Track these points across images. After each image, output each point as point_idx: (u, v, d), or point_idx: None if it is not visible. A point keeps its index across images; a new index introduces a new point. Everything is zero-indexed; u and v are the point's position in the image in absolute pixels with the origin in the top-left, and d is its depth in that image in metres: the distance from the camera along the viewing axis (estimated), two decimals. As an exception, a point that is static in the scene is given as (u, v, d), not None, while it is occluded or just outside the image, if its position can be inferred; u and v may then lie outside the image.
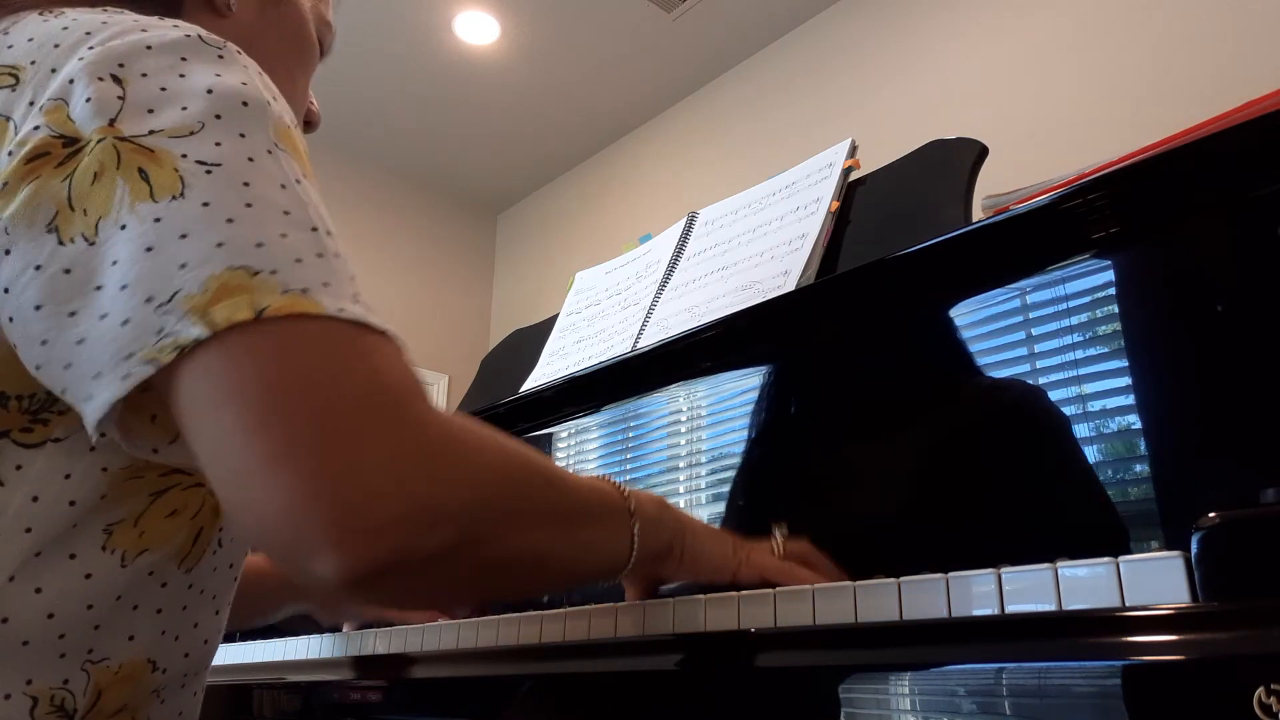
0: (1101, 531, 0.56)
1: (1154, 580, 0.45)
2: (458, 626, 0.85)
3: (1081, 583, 0.47)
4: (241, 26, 0.65)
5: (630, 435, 0.92)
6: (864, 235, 1.00)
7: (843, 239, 1.01)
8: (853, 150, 1.08)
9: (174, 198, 0.44)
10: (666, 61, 3.41)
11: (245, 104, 0.49)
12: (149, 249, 0.43)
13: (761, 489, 0.79)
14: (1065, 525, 0.58)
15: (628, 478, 0.91)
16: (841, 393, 0.76)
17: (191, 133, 0.46)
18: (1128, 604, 0.45)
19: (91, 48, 0.48)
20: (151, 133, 0.46)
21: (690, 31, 3.26)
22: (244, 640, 1.16)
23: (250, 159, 0.47)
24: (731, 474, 0.81)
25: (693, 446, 0.85)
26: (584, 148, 3.96)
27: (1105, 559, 0.47)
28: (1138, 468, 0.55)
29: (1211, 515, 0.44)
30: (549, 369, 1.28)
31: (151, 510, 0.51)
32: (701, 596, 0.66)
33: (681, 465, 0.85)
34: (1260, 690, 0.35)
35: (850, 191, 1.05)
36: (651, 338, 1.10)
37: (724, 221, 1.17)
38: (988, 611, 0.50)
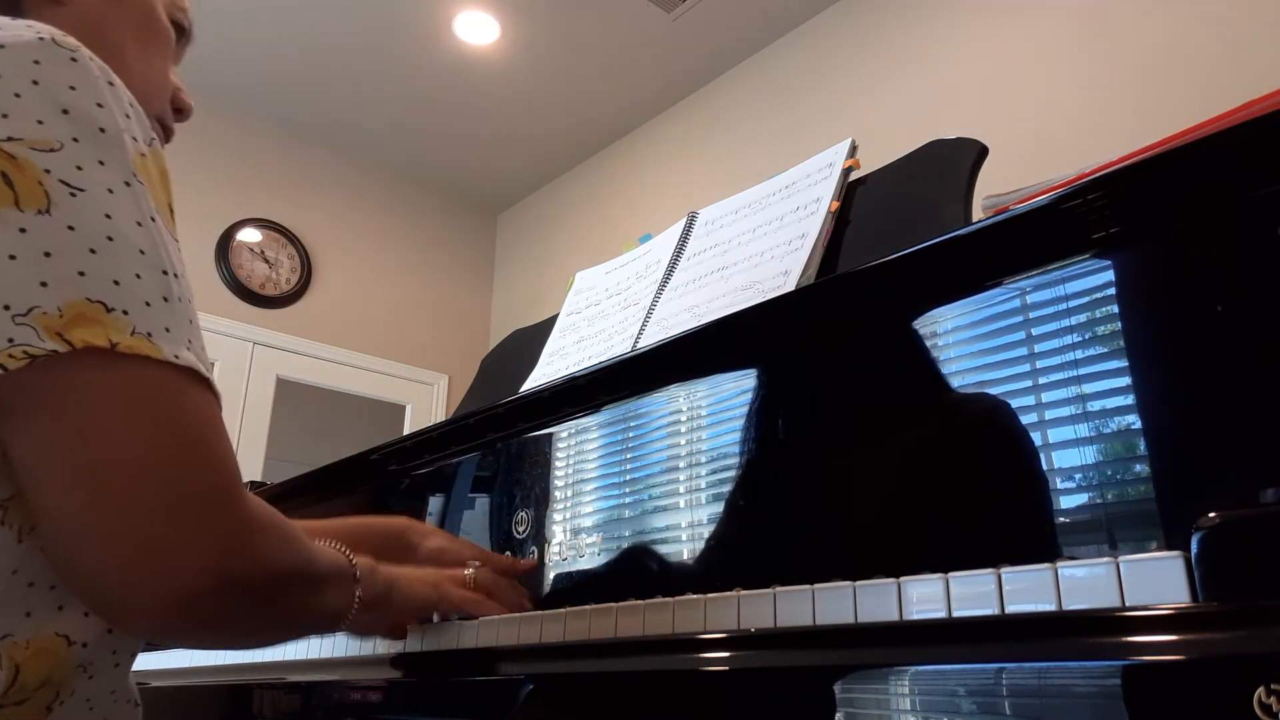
0: (1101, 531, 0.56)
1: (1154, 580, 0.45)
2: (458, 627, 0.85)
3: (1081, 583, 0.47)
4: (85, 13, 0.65)
5: (630, 435, 0.92)
6: (864, 235, 1.00)
7: (843, 239, 1.01)
8: (853, 150, 1.08)
9: (40, 212, 0.47)
10: (666, 61, 3.41)
11: (103, 130, 0.51)
12: (12, 256, 0.46)
13: (761, 489, 0.79)
14: (1065, 525, 0.58)
15: (628, 478, 0.91)
16: (842, 393, 0.76)
17: (52, 149, 0.48)
18: (1128, 604, 0.45)
19: None
20: (10, 139, 0.47)
21: (690, 31, 3.26)
22: (244, 640, 1.16)
23: (110, 190, 0.50)
24: (731, 474, 0.81)
25: (693, 446, 0.85)
26: (584, 148, 3.96)
27: (1105, 559, 0.47)
28: (1138, 468, 0.55)
29: (1211, 515, 0.44)
30: (549, 369, 1.28)
31: None
32: (701, 597, 0.66)
33: (681, 465, 0.85)
34: (1260, 690, 0.35)
35: (850, 191, 1.05)
36: (651, 338, 1.10)
37: (724, 221, 1.17)
38: (988, 611, 0.50)
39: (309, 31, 3.29)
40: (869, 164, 1.08)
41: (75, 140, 0.49)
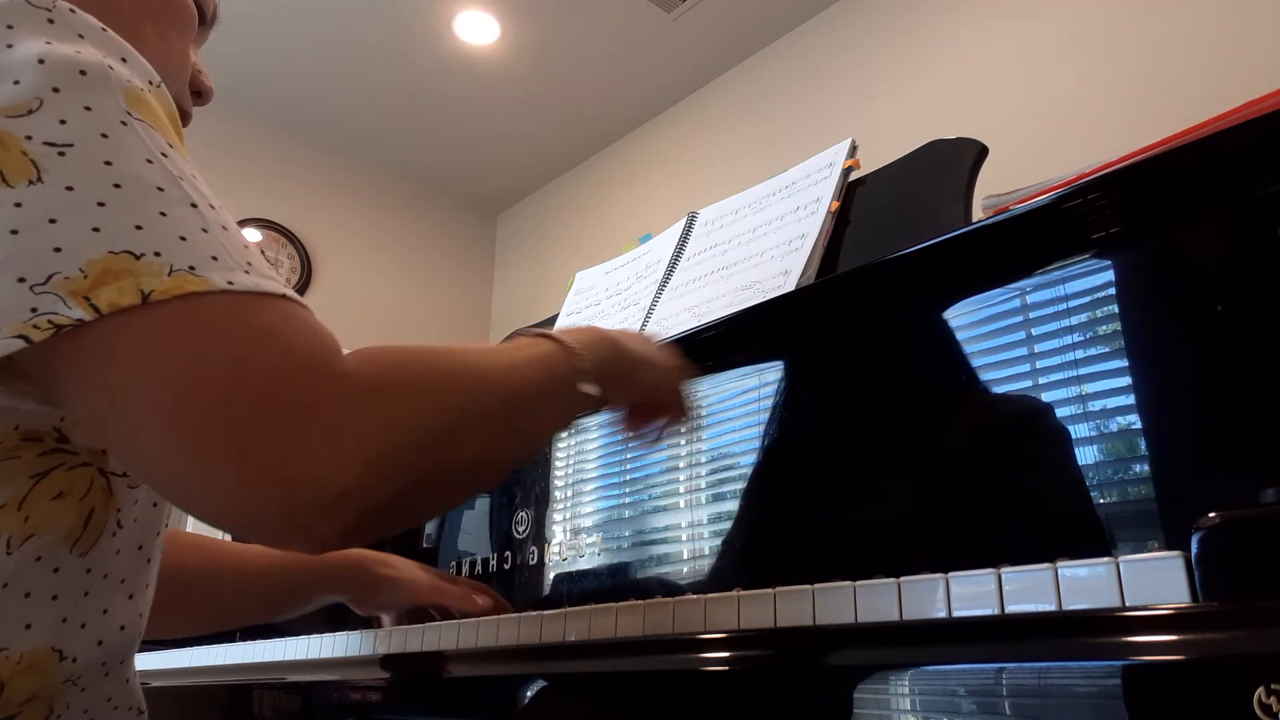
0: (1102, 531, 0.56)
1: (1154, 580, 0.45)
2: (458, 626, 0.85)
3: (1081, 583, 0.47)
4: None
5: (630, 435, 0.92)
6: (864, 235, 1.00)
7: (843, 239, 1.01)
8: (853, 150, 1.08)
9: (31, 183, 0.43)
10: (666, 61, 3.41)
11: (83, 72, 0.46)
12: (14, 231, 0.42)
13: (761, 489, 0.79)
14: (1065, 525, 0.58)
15: (628, 478, 0.91)
16: (842, 393, 0.76)
17: (30, 111, 0.44)
18: (1128, 604, 0.45)
19: None
20: None
21: (690, 31, 3.25)
22: (244, 640, 1.16)
23: (104, 134, 0.45)
24: (731, 474, 0.81)
25: (693, 446, 0.85)
26: (584, 148, 3.96)
27: (1105, 559, 0.47)
28: (1138, 468, 0.55)
29: (1211, 515, 0.44)
30: (549, 369, 1.27)
31: (34, 493, 0.49)
32: (702, 597, 0.66)
33: (681, 465, 0.85)
34: (1260, 690, 0.35)
35: (850, 191, 1.05)
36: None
37: (724, 221, 1.17)
38: (988, 611, 0.50)
39: (308, 31, 3.29)
40: (869, 164, 1.08)
41: (55, 90, 0.45)
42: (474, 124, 3.80)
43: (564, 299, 1.41)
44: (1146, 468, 0.55)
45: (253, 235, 3.68)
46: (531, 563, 0.96)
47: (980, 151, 0.98)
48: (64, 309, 0.42)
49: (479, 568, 1.01)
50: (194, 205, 0.46)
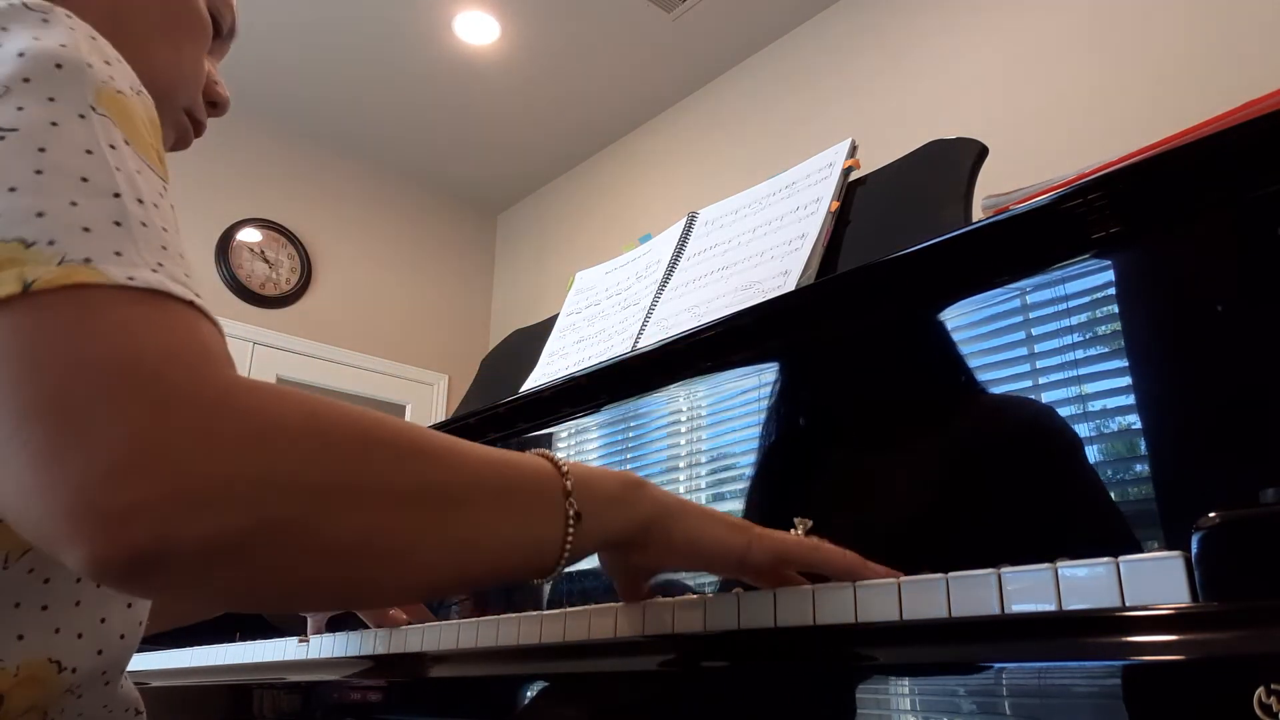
0: (1101, 531, 0.56)
1: (1154, 580, 0.45)
2: (458, 626, 0.85)
3: (1081, 583, 0.47)
4: None
5: (630, 435, 0.92)
6: (864, 235, 1.00)
7: (843, 239, 1.01)
8: (853, 150, 1.08)
9: None
10: (666, 61, 3.41)
11: (59, 66, 0.45)
12: None
13: (762, 489, 0.79)
14: (1065, 525, 0.58)
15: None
16: (842, 393, 0.76)
17: None
18: (1128, 604, 0.45)
19: None
20: None
21: (690, 31, 3.26)
22: (244, 640, 1.16)
23: (54, 123, 0.44)
24: (731, 474, 0.81)
25: (693, 446, 0.85)
26: (584, 148, 3.96)
27: (1105, 559, 0.47)
28: (1138, 468, 0.55)
29: (1211, 515, 0.44)
30: (549, 369, 1.28)
31: None
32: (701, 596, 0.66)
33: (681, 465, 0.85)
34: (1260, 690, 0.35)
35: (850, 191, 1.05)
36: (651, 338, 1.10)
37: (724, 221, 1.17)
38: (988, 611, 0.50)
39: (308, 31, 3.29)
40: (869, 164, 1.08)
41: (26, 80, 0.44)
42: (474, 124, 3.80)
43: (564, 299, 1.41)
44: (1146, 468, 0.55)
45: (253, 235, 3.68)
46: (531, 563, 0.96)
47: (980, 151, 0.98)
48: None
49: (479, 568, 1.01)
50: (117, 195, 0.43)
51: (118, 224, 0.42)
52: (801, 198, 1.07)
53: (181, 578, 0.37)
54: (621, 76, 3.49)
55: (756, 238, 1.08)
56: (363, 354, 3.85)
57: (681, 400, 0.88)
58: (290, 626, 1.14)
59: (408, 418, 3.92)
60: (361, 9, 3.18)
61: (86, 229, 0.41)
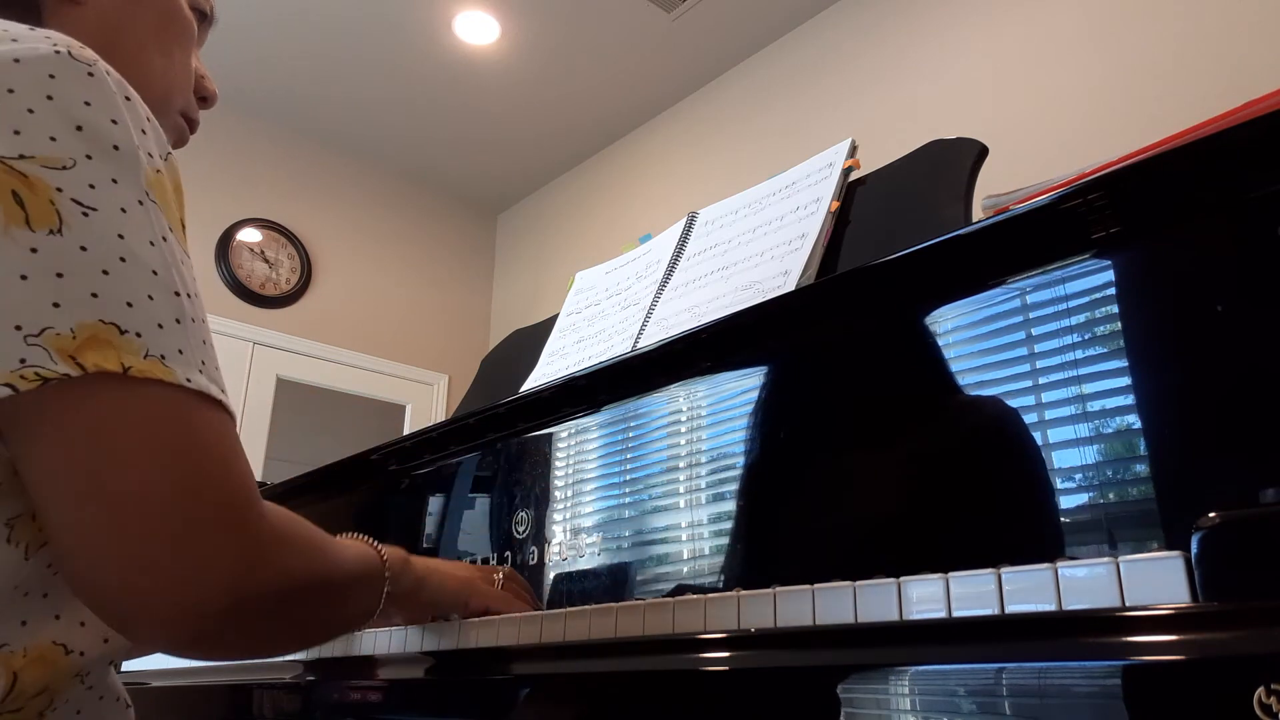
0: (1102, 531, 0.56)
1: (1154, 580, 0.45)
2: (458, 626, 0.85)
3: (1081, 583, 0.47)
4: (102, 12, 0.63)
5: (630, 435, 0.92)
6: (864, 235, 1.00)
7: (843, 239, 1.01)
8: (853, 150, 1.08)
9: (51, 232, 0.46)
10: (666, 61, 3.41)
11: (116, 148, 0.50)
12: (24, 276, 0.45)
13: (761, 489, 0.79)
14: (1065, 525, 0.58)
15: (628, 478, 0.91)
16: (841, 393, 0.76)
17: (64, 167, 0.47)
18: (1128, 604, 0.45)
19: None
20: (22, 157, 0.46)
21: (690, 31, 3.26)
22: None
23: (123, 209, 0.49)
24: (731, 474, 0.81)
25: (693, 446, 0.85)
26: (584, 148, 3.96)
27: (1105, 559, 0.47)
28: (1138, 468, 0.55)
29: (1211, 515, 0.44)
30: (549, 369, 1.28)
31: None
32: (701, 597, 0.66)
33: (681, 465, 0.85)
34: (1260, 690, 0.35)
35: (850, 191, 1.05)
36: (651, 338, 1.10)
37: (724, 221, 1.17)
38: (988, 611, 0.50)
39: (308, 31, 3.29)
40: (869, 164, 1.08)
41: (89, 157, 0.48)
42: (474, 124, 3.80)
43: (564, 299, 1.41)
44: (1146, 468, 0.55)
45: (253, 235, 3.68)
46: (531, 563, 0.96)
47: (980, 151, 0.98)
48: (50, 363, 0.44)
49: (479, 568, 1.01)
50: (177, 294, 0.50)
51: (178, 321, 0.49)
52: (801, 198, 1.07)
53: (220, 652, 0.57)
54: (621, 76, 3.49)
55: (756, 238, 1.08)
56: (363, 354, 3.85)
57: (681, 400, 0.88)
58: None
59: (407, 417, 3.92)
60: (361, 9, 3.18)
61: (160, 325, 0.48)
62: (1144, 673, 0.40)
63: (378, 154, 4.03)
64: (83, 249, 0.46)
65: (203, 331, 0.52)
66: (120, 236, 0.48)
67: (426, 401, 4.01)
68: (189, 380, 0.48)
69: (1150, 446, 0.55)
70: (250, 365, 3.55)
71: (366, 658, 0.92)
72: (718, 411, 0.84)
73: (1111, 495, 0.56)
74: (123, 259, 0.47)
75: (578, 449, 0.98)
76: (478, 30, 3.28)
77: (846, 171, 1.05)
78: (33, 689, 0.51)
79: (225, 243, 3.60)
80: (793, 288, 0.95)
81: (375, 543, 0.71)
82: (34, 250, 0.45)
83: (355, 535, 0.71)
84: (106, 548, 0.46)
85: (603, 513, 0.92)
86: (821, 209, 1.02)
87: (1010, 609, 0.50)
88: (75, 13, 0.62)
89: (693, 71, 3.46)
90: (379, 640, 0.93)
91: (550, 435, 1.01)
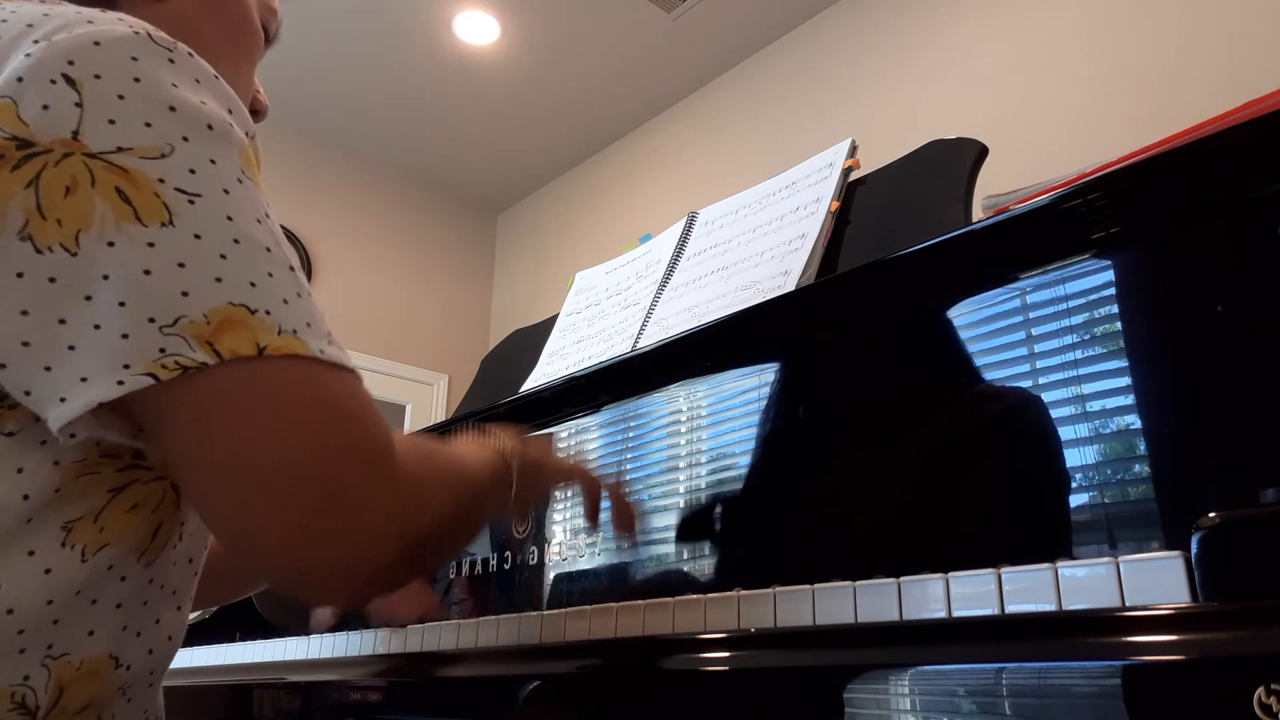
0: (1102, 531, 0.56)
1: (1154, 580, 0.45)
2: (458, 626, 0.85)
3: (1081, 583, 0.47)
4: (182, 13, 0.63)
5: (630, 435, 0.92)
6: (864, 235, 1.00)
7: (843, 239, 1.01)
8: (853, 150, 1.08)
9: (163, 225, 0.46)
10: (666, 61, 3.41)
11: (210, 127, 0.49)
12: (147, 271, 0.45)
13: (761, 489, 0.79)
14: (1065, 525, 0.58)
15: (628, 477, 0.91)
16: (841, 393, 0.76)
17: (162, 155, 0.47)
18: (1128, 604, 0.45)
19: (36, 41, 0.47)
20: (120, 150, 0.46)
21: (690, 31, 3.26)
22: (244, 640, 1.16)
23: (226, 190, 0.49)
24: (731, 474, 0.81)
25: (693, 446, 0.85)
26: (584, 148, 3.96)
27: (1105, 559, 0.47)
28: (1138, 468, 0.55)
29: (1211, 515, 0.44)
30: (549, 369, 1.28)
31: (111, 506, 0.51)
32: (702, 597, 0.66)
33: (681, 465, 0.85)
34: (1260, 690, 0.35)
35: (850, 191, 1.05)
36: (651, 338, 1.10)
37: (724, 221, 1.17)
38: (988, 611, 0.50)
39: (308, 31, 3.29)
40: (869, 164, 1.08)
41: (185, 140, 0.48)
42: (474, 124, 3.80)
43: (564, 299, 1.41)
44: (1146, 468, 0.55)
45: (253, 235, 3.68)
46: (531, 563, 0.96)
47: (980, 151, 0.98)
48: (189, 351, 0.45)
49: (479, 568, 1.01)
50: (291, 269, 0.50)
51: (299, 295, 0.50)
52: (801, 198, 1.07)
53: (405, 584, 0.55)
54: (621, 76, 3.49)
55: (756, 238, 1.08)
56: (363, 354, 3.85)
57: (681, 400, 0.88)
58: (290, 626, 1.14)
59: (408, 417, 3.92)
60: (361, 9, 3.18)
61: (285, 301, 0.49)
62: (1144, 673, 0.40)
63: (378, 154, 4.03)
64: (196, 236, 0.46)
65: (317, 304, 0.52)
66: (229, 219, 0.48)
67: (426, 401, 4.01)
68: (322, 352, 0.49)
69: (1150, 446, 0.55)
70: (250, 365, 3.54)
71: (365, 657, 0.92)
72: (718, 411, 0.84)
73: (1111, 495, 0.56)
74: (236, 240, 0.48)
75: (578, 449, 0.98)
76: (478, 30, 3.28)
77: (846, 171, 1.05)
78: (76, 705, 0.50)
79: (225, 243, 3.60)
80: (793, 288, 0.95)
81: (495, 441, 0.70)
82: (151, 245, 0.45)
83: (477, 434, 0.71)
84: (269, 522, 0.46)
85: (603, 512, 0.92)
86: (821, 209, 1.02)
87: (1010, 609, 0.50)
88: (154, 10, 0.62)
89: (693, 71, 3.46)
90: (378, 641, 0.92)
91: (550, 435, 1.01)
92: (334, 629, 1.01)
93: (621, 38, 3.28)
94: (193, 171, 0.47)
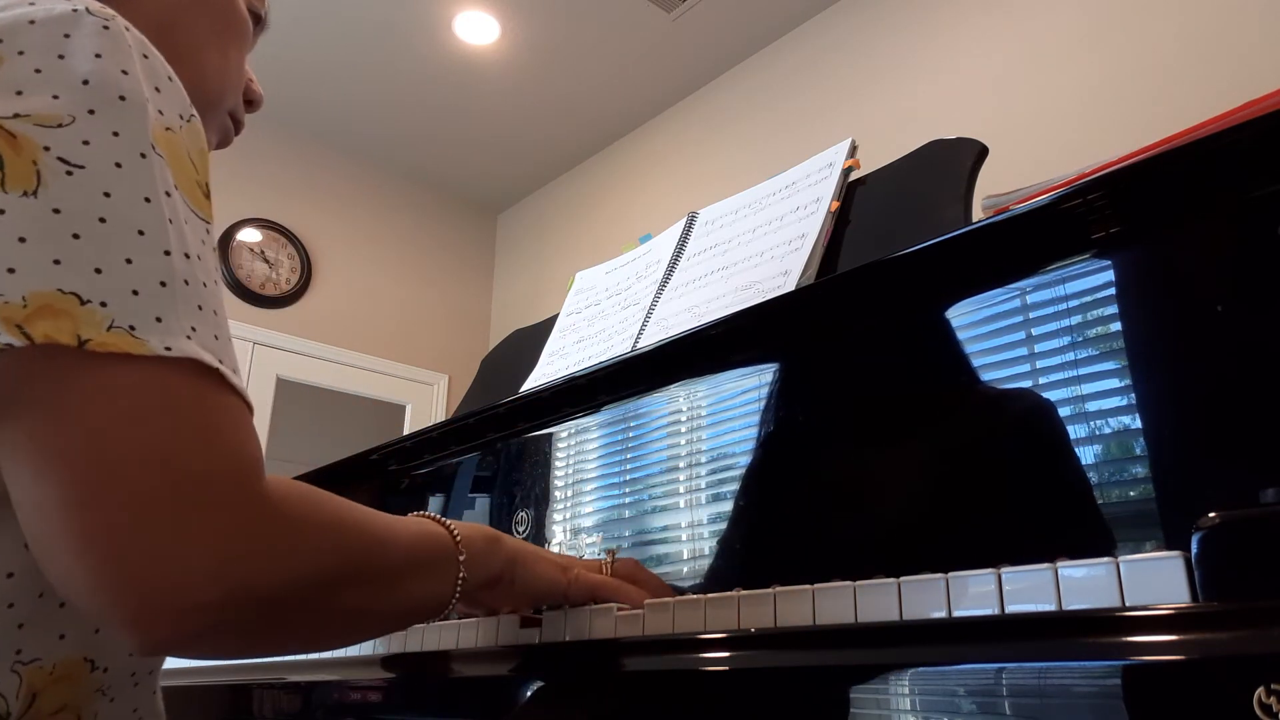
0: (1101, 531, 0.56)
1: (1154, 580, 0.45)
2: (457, 626, 0.85)
3: (1081, 583, 0.47)
4: (159, 8, 0.62)
5: (630, 435, 0.92)
6: (864, 235, 1.00)
7: (843, 239, 1.01)
8: (853, 150, 1.08)
9: (25, 194, 0.43)
10: (666, 61, 3.41)
11: (122, 98, 0.46)
12: None
13: (761, 489, 0.79)
14: (1065, 525, 0.58)
15: (628, 478, 0.91)
16: (841, 393, 0.76)
17: (60, 125, 0.44)
18: (1128, 604, 0.45)
19: None
20: (16, 116, 0.44)
21: (690, 31, 3.26)
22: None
23: (118, 164, 0.45)
24: (731, 474, 0.81)
25: (693, 446, 0.85)
26: (584, 148, 3.96)
27: (1105, 559, 0.47)
28: (1138, 468, 0.55)
29: (1211, 515, 0.44)
30: (549, 369, 1.28)
31: None
32: (701, 597, 0.66)
33: (681, 465, 0.85)
34: (1260, 690, 0.35)
35: (850, 191, 1.05)
36: (651, 338, 1.10)
37: (724, 221, 1.17)
38: (988, 611, 0.50)
39: (308, 31, 3.29)
40: (869, 164, 1.08)
41: (90, 112, 0.45)
42: (474, 124, 3.80)
43: (564, 299, 1.41)
44: (1146, 468, 0.55)
45: (253, 235, 3.68)
46: (531, 563, 0.96)
47: (980, 151, 0.98)
48: None
49: (479, 568, 1.01)
50: (167, 253, 0.46)
51: (163, 284, 0.45)
52: (801, 198, 1.07)
53: (213, 649, 0.48)
54: (621, 76, 3.49)
55: (757, 238, 1.08)
56: (363, 354, 3.85)
57: (681, 400, 0.88)
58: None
59: (407, 417, 3.92)
60: (361, 9, 3.18)
61: (135, 292, 0.43)
62: (1144, 673, 0.40)
63: (378, 154, 4.03)
64: (55, 211, 0.43)
65: (203, 295, 0.47)
66: (105, 195, 0.44)
67: (426, 401, 4.01)
68: (168, 349, 0.43)
69: (1150, 446, 0.55)
70: (250, 365, 3.55)
71: (365, 658, 0.92)
72: (718, 411, 0.84)
73: (1111, 495, 0.56)
74: (102, 219, 0.44)
75: (578, 449, 0.98)
76: (478, 30, 3.28)
77: (846, 171, 1.05)
78: (51, 708, 0.49)
79: (225, 243, 3.60)
80: (793, 288, 0.95)
81: (447, 521, 0.63)
82: (1, 212, 0.42)
83: (427, 514, 0.63)
84: (67, 535, 0.41)
85: (603, 513, 0.92)
86: (821, 209, 1.02)
87: (1010, 609, 0.50)
88: (128, 6, 0.60)
89: (693, 71, 3.46)
90: (377, 641, 0.92)
91: (550, 435, 1.01)
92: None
93: (621, 38, 3.28)
94: (86, 143, 0.45)
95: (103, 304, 0.43)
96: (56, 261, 0.42)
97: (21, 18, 0.47)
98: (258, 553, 0.44)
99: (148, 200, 0.46)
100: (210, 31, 0.65)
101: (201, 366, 0.45)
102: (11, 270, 0.42)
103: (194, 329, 0.45)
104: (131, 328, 0.43)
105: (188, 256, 0.47)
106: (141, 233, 0.45)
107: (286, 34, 3.30)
